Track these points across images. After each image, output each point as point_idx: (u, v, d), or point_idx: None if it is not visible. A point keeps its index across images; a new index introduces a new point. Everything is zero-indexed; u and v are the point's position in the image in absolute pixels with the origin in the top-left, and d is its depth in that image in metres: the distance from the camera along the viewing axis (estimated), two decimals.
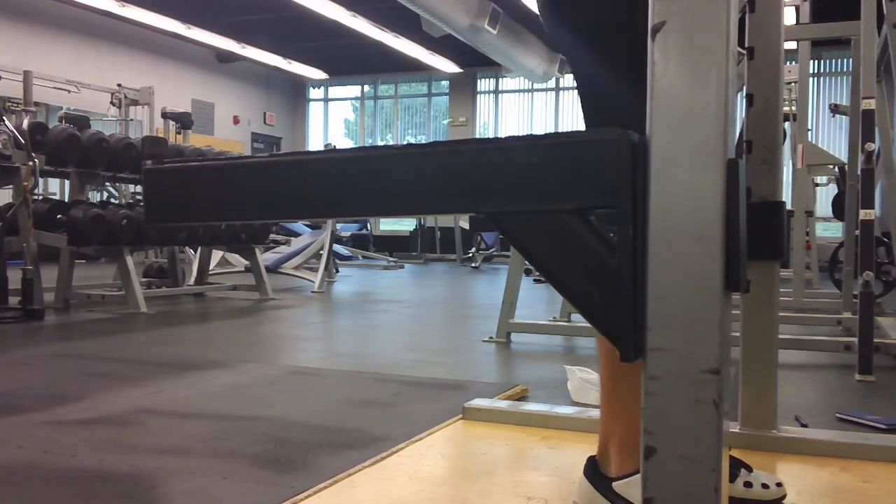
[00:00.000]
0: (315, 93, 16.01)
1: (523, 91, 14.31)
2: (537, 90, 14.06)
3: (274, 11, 10.64)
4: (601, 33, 1.20)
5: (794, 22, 4.72)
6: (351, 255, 10.64)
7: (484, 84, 14.57)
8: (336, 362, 3.06)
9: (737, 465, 1.31)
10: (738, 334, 1.63)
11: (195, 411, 2.16)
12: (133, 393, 2.38)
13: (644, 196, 0.64)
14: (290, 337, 3.86)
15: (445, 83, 14.79)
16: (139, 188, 7.12)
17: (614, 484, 1.20)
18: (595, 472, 1.23)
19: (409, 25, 9.98)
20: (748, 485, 1.28)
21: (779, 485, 1.30)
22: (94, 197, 7.05)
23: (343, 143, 14.87)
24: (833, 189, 6.77)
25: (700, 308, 0.63)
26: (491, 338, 3.51)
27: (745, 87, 1.64)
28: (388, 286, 7.33)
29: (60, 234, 4.45)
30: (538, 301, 5.44)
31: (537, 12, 1.35)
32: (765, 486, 1.29)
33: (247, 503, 1.42)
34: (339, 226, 9.57)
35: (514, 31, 10.08)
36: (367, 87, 15.48)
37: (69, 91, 8.90)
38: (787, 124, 5.48)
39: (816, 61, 11.47)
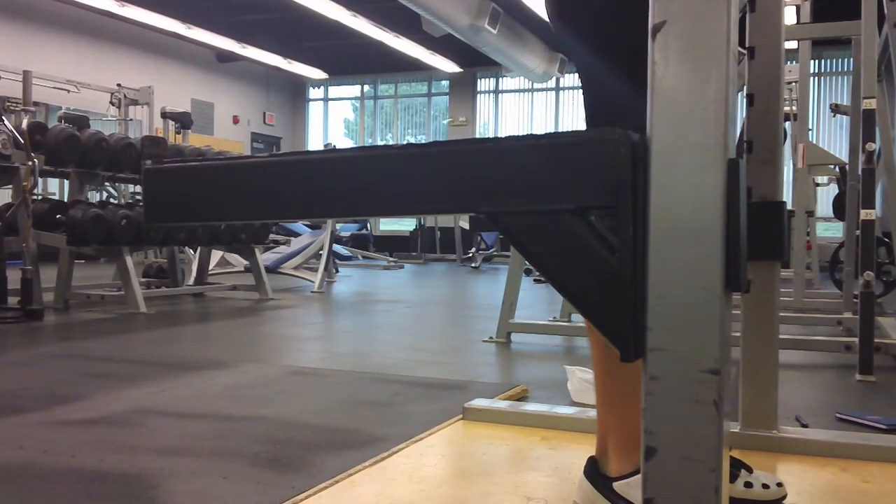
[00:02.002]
0: (315, 93, 16.00)
1: (523, 91, 14.30)
2: (537, 90, 14.05)
3: (274, 11, 10.64)
4: (602, 30, 1.20)
5: (794, 22, 4.72)
6: (351, 255, 10.63)
7: (484, 84, 14.57)
8: (336, 362, 3.06)
9: (737, 466, 1.31)
10: (738, 334, 1.63)
11: (195, 411, 2.16)
12: (133, 393, 2.38)
13: (644, 196, 0.64)
14: (290, 337, 3.86)
15: (445, 83, 14.78)
16: (139, 188, 7.12)
17: (615, 484, 1.19)
18: (595, 472, 1.23)
19: (409, 25, 9.98)
20: (748, 485, 1.28)
21: (779, 485, 1.30)
22: (94, 197, 7.04)
23: (343, 143, 14.86)
24: (833, 189, 6.77)
25: (700, 308, 0.63)
26: (491, 338, 3.51)
27: (745, 87, 1.64)
28: (388, 286, 7.33)
29: (60, 234, 4.45)
30: (538, 301, 5.44)
31: (538, 13, 1.35)
32: (765, 486, 1.29)
33: (247, 503, 1.42)
34: (339, 226, 9.57)
35: (514, 31, 10.08)
36: (367, 87, 15.48)
37: (69, 91, 8.89)
38: (787, 124, 5.48)
39: (817, 61, 11.47)
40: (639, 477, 1.12)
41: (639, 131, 0.65)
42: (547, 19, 1.34)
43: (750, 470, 1.31)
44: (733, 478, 1.28)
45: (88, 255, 5.07)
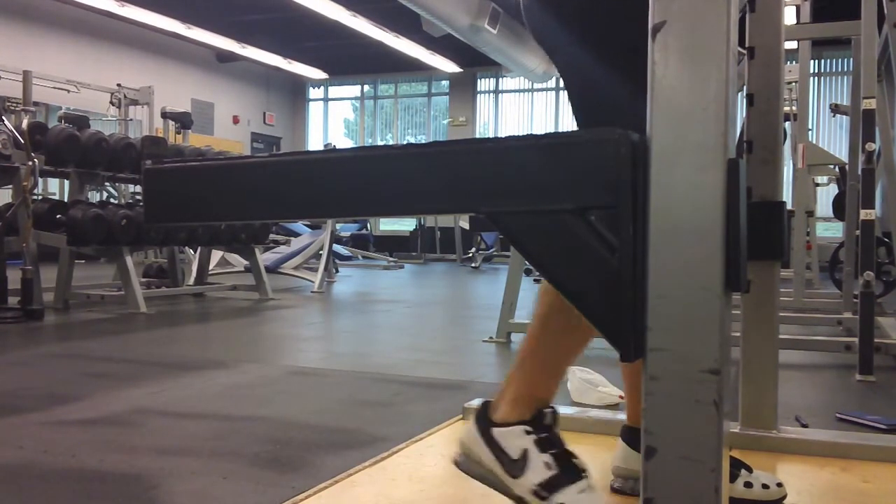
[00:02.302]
0: (315, 93, 16.00)
1: (523, 91, 14.30)
2: (537, 90, 14.05)
3: (274, 11, 10.63)
4: (598, 25, 1.16)
5: (794, 22, 4.72)
6: (351, 255, 10.63)
7: (484, 84, 14.56)
8: (336, 362, 3.06)
9: (737, 466, 1.31)
10: (738, 334, 1.62)
11: (195, 411, 2.16)
12: (133, 393, 2.38)
13: (644, 196, 0.64)
14: (290, 337, 3.86)
15: (445, 83, 14.78)
16: (139, 188, 7.12)
17: (493, 430, 1.20)
18: (483, 414, 1.24)
19: (409, 25, 9.97)
20: (748, 485, 1.28)
21: (779, 485, 1.30)
22: (94, 197, 7.03)
23: (343, 143, 14.85)
24: (833, 189, 6.77)
25: (700, 308, 0.63)
26: (491, 338, 3.50)
27: (745, 87, 1.63)
28: (388, 286, 7.33)
29: (60, 234, 4.45)
30: None
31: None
32: (765, 486, 1.29)
33: (247, 503, 1.42)
34: (339, 226, 9.56)
35: (514, 31, 10.08)
36: (367, 87, 15.47)
37: (69, 91, 8.89)
38: (787, 124, 5.47)
39: (817, 61, 11.46)
40: (518, 427, 1.17)
41: (639, 132, 0.65)
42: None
43: (750, 470, 1.31)
44: (733, 478, 1.28)
45: (88, 255, 5.07)
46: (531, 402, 1.21)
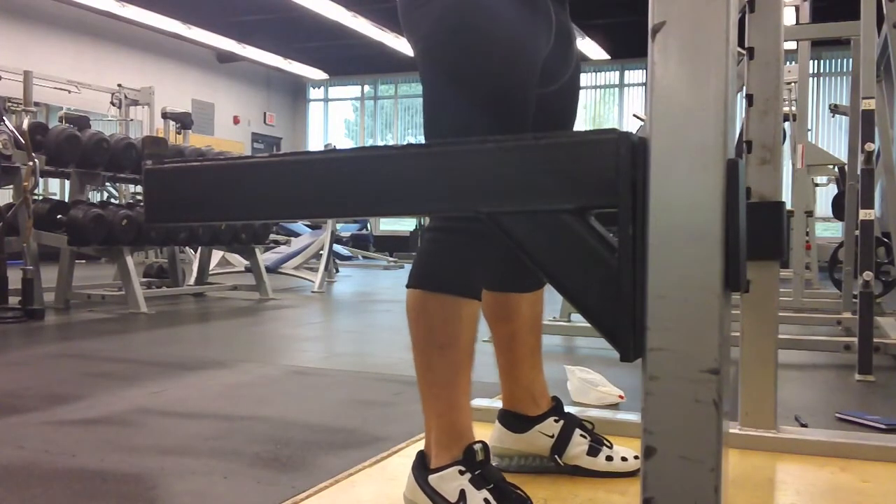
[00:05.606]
0: (315, 93, 16.00)
1: None
2: None
3: (274, 11, 10.64)
4: (422, 51, 1.24)
5: (793, 22, 4.72)
6: (351, 255, 10.63)
7: None
8: (336, 362, 3.06)
9: (599, 442, 1.43)
10: (738, 334, 1.62)
11: (195, 411, 2.16)
12: (133, 393, 2.38)
13: (644, 196, 0.64)
14: (291, 337, 3.86)
15: None
16: (139, 188, 7.12)
17: (429, 477, 1.21)
18: (419, 464, 1.26)
19: None
20: (610, 458, 1.41)
21: (636, 457, 1.38)
22: (95, 197, 7.04)
23: (343, 143, 14.85)
24: (833, 189, 6.77)
25: (700, 308, 0.63)
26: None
27: (744, 87, 1.64)
28: (389, 286, 7.33)
29: (61, 234, 4.45)
30: None
31: None
32: (624, 458, 1.42)
33: (248, 503, 1.42)
34: (339, 226, 9.56)
35: None
36: (367, 88, 15.47)
37: (69, 91, 8.89)
38: (786, 124, 5.47)
39: (816, 61, 11.46)
40: (451, 469, 1.19)
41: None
42: None
43: (610, 445, 1.43)
44: (596, 452, 1.41)
45: (89, 255, 5.07)
46: (456, 441, 1.22)
